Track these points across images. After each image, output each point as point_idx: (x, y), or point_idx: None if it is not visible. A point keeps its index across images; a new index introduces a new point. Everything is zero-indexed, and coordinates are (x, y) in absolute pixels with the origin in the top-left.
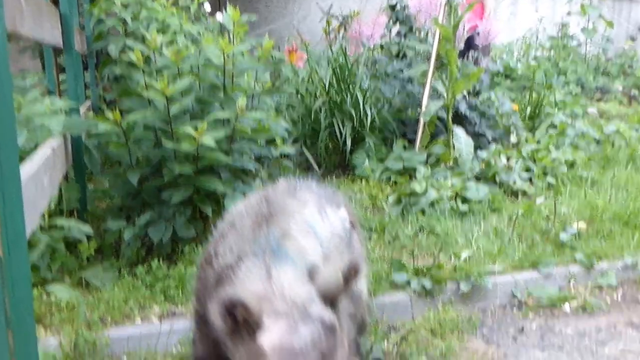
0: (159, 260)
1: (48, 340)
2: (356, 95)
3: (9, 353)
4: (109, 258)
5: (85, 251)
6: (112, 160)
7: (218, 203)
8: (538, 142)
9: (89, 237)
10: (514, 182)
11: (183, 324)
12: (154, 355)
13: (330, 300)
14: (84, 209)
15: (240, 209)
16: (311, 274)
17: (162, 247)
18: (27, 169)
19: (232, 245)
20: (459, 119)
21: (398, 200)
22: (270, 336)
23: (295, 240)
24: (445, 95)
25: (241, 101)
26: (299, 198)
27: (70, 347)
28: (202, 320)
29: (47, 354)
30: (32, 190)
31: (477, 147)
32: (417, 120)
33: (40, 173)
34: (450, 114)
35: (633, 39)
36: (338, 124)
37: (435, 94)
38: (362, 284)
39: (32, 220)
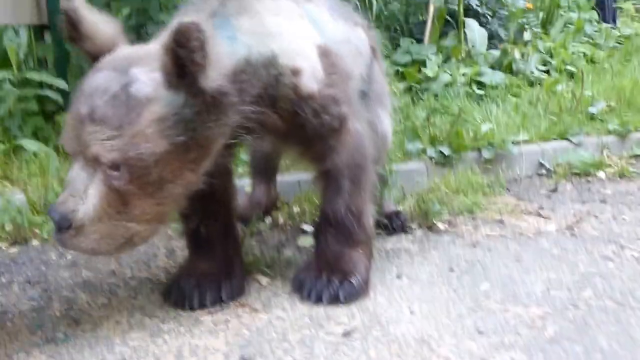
0: None
1: (14, 195)
2: None
3: None
4: None
5: (63, 121)
6: None
7: None
8: (554, 40)
9: (67, 107)
10: (532, 72)
11: None
12: None
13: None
14: (62, 74)
15: None
16: (270, 60)
17: None
18: None
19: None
20: (470, 16)
21: (408, 89)
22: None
23: (255, 18)
24: None
25: None
26: None
27: (39, 202)
28: None
29: (10, 208)
30: None
31: (489, 46)
32: (425, 21)
33: None
34: (462, 5)
35: None
36: None
37: None
38: (386, 124)
39: None
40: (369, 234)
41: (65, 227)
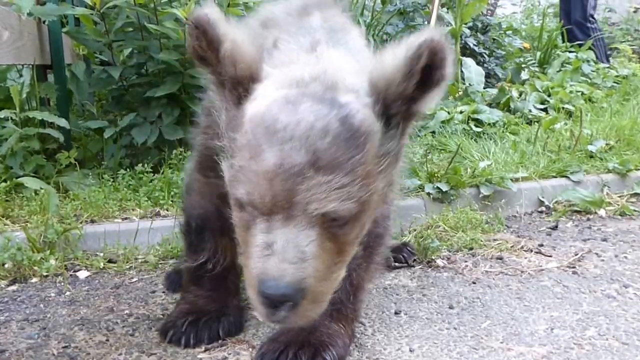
0: (143, 165)
1: (13, 233)
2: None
3: None
4: (91, 168)
5: (64, 159)
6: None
7: None
8: (551, 79)
9: (69, 145)
10: (529, 111)
11: (169, 222)
12: (133, 251)
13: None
14: (64, 114)
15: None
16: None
17: (147, 153)
18: None
19: (269, 36)
20: (467, 55)
21: None
22: (258, 102)
23: (354, 39)
24: (452, 22)
25: None
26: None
27: (39, 239)
28: (208, 162)
29: (10, 246)
30: None
31: (486, 85)
32: None
33: None
34: (459, 44)
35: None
36: None
37: (441, 22)
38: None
39: None
40: (357, 312)
41: (298, 299)
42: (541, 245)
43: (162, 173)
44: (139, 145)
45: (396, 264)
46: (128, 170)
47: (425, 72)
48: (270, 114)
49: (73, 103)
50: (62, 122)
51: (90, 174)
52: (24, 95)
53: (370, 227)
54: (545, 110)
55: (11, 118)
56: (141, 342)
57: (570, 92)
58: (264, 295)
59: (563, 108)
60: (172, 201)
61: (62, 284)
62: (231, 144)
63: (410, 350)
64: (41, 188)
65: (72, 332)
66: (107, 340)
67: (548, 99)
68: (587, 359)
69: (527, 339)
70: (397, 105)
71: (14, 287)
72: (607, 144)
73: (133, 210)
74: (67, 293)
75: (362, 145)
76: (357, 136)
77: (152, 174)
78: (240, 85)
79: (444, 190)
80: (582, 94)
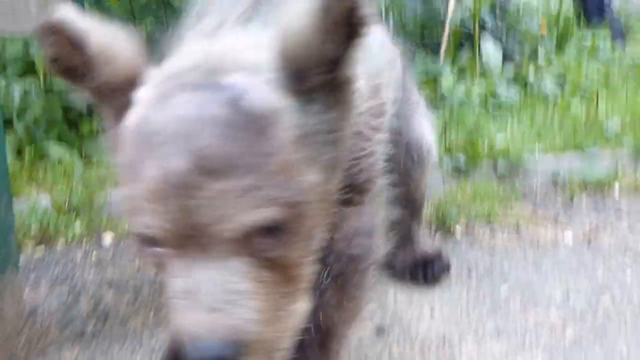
0: None
1: (39, 197)
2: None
3: None
4: None
5: (86, 127)
6: None
7: None
8: (568, 59)
9: (91, 114)
10: (545, 90)
11: None
12: None
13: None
14: None
15: None
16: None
17: None
18: None
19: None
20: (485, 34)
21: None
22: (134, 110)
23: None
24: (471, 3)
25: None
26: None
27: (64, 204)
28: None
29: (37, 210)
30: None
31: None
32: (441, 38)
33: None
34: (477, 23)
35: None
36: None
37: (460, 3)
38: (427, 131)
39: None
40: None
41: (240, 358)
42: (557, 217)
43: None
44: None
45: (425, 279)
46: None
47: (342, 22)
48: (142, 119)
49: None
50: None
51: None
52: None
53: (341, 246)
54: (561, 89)
55: (36, 88)
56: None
57: (587, 72)
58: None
59: (579, 88)
60: None
61: (88, 247)
62: (115, 170)
63: (432, 313)
64: (65, 156)
65: (101, 293)
66: (135, 300)
67: (564, 78)
68: (601, 325)
69: (544, 304)
70: (315, 72)
71: (41, 250)
72: (622, 123)
73: None
74: (94, 256)
75: (262, 130)
76: (251, 120)
77: None
78: (118, 94)
79: (462, 164)
80: (598, 72)
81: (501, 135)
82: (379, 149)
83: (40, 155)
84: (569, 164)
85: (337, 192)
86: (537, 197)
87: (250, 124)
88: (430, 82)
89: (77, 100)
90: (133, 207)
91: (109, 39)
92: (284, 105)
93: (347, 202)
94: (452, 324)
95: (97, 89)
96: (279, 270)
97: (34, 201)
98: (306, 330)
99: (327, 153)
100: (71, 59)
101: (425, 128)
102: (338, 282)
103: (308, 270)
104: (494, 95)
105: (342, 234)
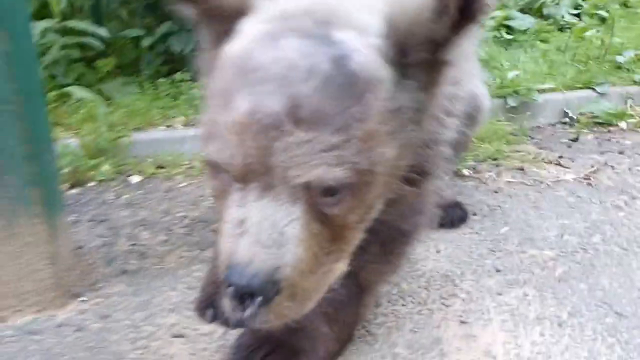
0: (182, 74)
1: (67, 140)
2: None
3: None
4: (131, 75)
5: (104, 66)
6: None
7: None
8: None
9: (106, 53)
10: (562, 16)
11: None
12: (179, 158)
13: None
14: (99, 20)
15: None
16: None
17: (184, 60)
18: None
19: None
20: None
21: None
22: (237, 40)
23: None
24: None
25: None
26: None
27: (92, 146)
28: None
29: (66, 152)
30: None
31: None
32: None
33: None
34: None
35: None
36: None
37: None
38: (480, 88)
39: None
40: (359, 317)
41: (270, 294)
42: (561, 157)
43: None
44: (175, 54)
45: (443, 225)
46: (166, 78)
47: (457, 6)
48: (246, 53)
49: (106, 11)
50: (102, 32)
51: (130, 82)
52: (63, 5)
53: (394, 220)
54: (578, 16)
55: (52, 29)
56: (199, 241)
57: None
58: (228, 284)
59: (596, 14)
60: None
61: (118, 187)
62: (207, 92)
63: (437, 252)
64: (87, 96)
65: (136, 232)
66: (169, 239)
67: (582, 3)
68: (589, 262)
69: (539, 243)
70: (420, 50)
71: (75, 191)
72: (636, 55)
73: (174, 117)
74: (124, 196)
75: (361, 95)
76: (353, 83)
77: (191, 81)
78: (224, 20)
79: None
80: None
81: (512, 72)
82: (449, 135)
83: (62, 97)
84: (578, 101)
85: (404, 170)
86: (543, 136)
87: (350, 85)
88: None
89: (93, 39)
90: (214, 133)
91: None
92: (384, 75)
93: (409, 181)
94: (454, 263)
95: (206, 11)
96: (330, 228)
97: (63, 144)
98: (341, 285)
99: (408, 131)
100: None
101: (478, 84)
102: (383, 249)
103: (357, 235)
104: (508, 25)
105: (398, 209)
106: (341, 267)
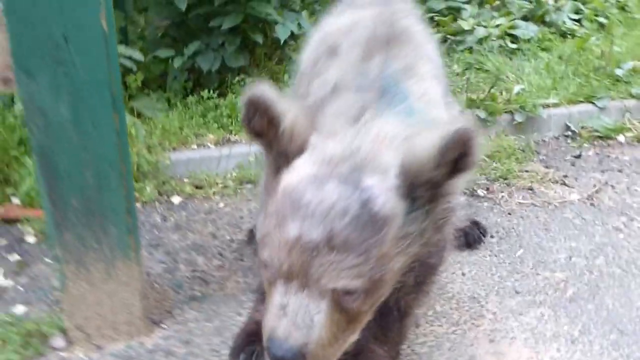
0: (208, 91)
1: None
2: None
3: (115, 133)
4: (156, 91)
5: (133, 82)
6: None
7: (266, 33)
8: None
9: (133, 70)
10: (564, 23)
11: (239, 149)
12: (213, 177)
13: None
14: (125, 40)
15: (343, 26)
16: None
17: (210, 78)
18: None
19: (328, 75)
20: None
21: (443, 40)
22: (292, 175)
23: (420, 82)
24: None
25: None
26: (420, 25)
27: (134, 169)
28: None
29: None
30: None
31: None
32: None
33: None
34: None
35: None
36: None
37: None
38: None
39: None
40: (403, 336)
41: None
42: (565, 176)
43: (226, 95)
44: (203, 72)
45: (467, 244)
46: (193, 94)
47: (453, 159)
48: (298, 190)
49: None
50: (137, 55)
51: (158, 97)
52: None
53: (424, 258)
54: (579, 21)
55: None
56: (251, 266)
57: (605, 0)
58: (268, 351)
59: (596, 20)
60: (240, 127)
61: (163, 209)
62: (265, 205)
63: (462, 274)
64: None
65: (192, 257)
66: (223, 264)
67: (583, 8)
68: (595, 283)
69: (551, 265)
70: (424, 189)
71: None
72: (634, 68)
73: (204, 136)
74: (171, 219)
75: (380, 228)
76: (375, 220)
77: (218, 99)
78: (288, 157)
79: (482, 117)
80: (617, 1)
81: (518, 86)
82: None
83: None
84: (580, 115)
85: (410, 263)
86: (548, 151)
87: (372, 223)
88: (450, 14)
89: (127, 61)
90: (268, 243)
91: (297, 119)
92: (397, 210)
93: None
94: (478, 285)
95: (274, 151)
96: (347, 316)
97: None
98: (386, 312)
99: (414, 249)
100: (265, 131)
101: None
102: (417, 282)
103: (368, 316)
104: (512, 34)
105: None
106: (355, 337)
